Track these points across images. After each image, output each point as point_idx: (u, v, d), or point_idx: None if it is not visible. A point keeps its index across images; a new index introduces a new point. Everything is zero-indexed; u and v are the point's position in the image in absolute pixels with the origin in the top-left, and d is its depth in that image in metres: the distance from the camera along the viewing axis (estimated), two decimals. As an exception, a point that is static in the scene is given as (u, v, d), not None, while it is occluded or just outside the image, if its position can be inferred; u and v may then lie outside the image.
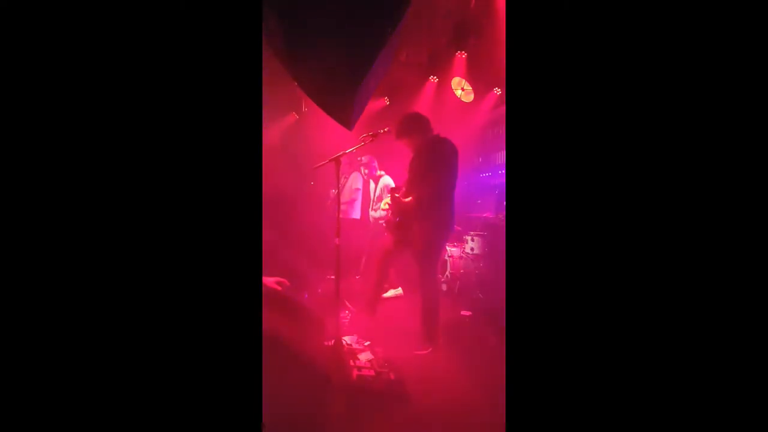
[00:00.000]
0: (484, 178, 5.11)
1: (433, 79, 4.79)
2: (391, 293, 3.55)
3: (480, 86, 4.65)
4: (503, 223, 3.49)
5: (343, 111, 1.69)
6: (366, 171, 3.63)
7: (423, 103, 4.90)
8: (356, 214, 4.19)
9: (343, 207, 3.83)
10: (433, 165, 2.26)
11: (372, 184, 3.65)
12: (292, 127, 5.48)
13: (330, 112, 1.71)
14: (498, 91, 4.67)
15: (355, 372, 1.88)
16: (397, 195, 2.42)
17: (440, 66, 4.48)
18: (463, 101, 4.59)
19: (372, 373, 1.89)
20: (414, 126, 2.36)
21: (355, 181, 4.07)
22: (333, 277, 2.48)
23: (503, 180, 4.71)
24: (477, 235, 3.64)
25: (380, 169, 3.64)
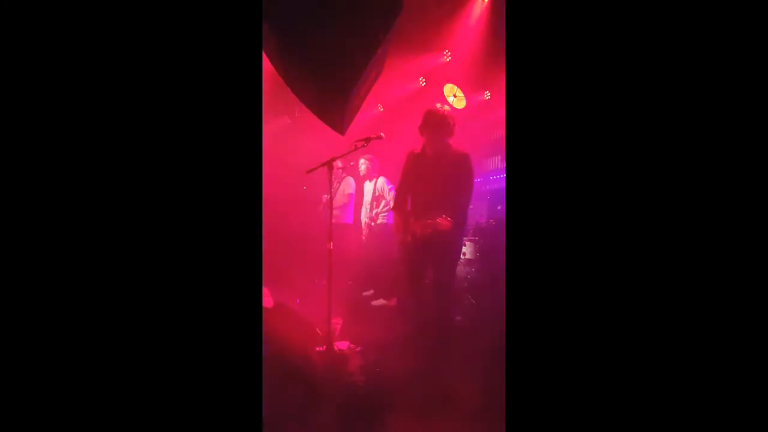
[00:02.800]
0: (476, 183, 5.13)
1: (422, 82, 4.79)
2: (381, 302, 3.53)
3: (467, 87, 4.67)
4: (494, 228, 3.50)
5: (336, 116, 1.69)
6: (364, 170, 3.62)
7: (413, 109, 4.91)
8: (348, 218, 4.18)
9: (335, 212, 3.81)
10: (462, 184, 2.17)
11: (368, 185, 3.64)
12: (285, 131, 5.46)
13: (322, 118, 1.72)
14: (488, 95, 4.69)
15: (347, 379, 1.88)
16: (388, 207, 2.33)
17: (428, 70, 4.50)
18: (455, 107, 4.62)
19: (363, 379, 1.88)
20: (438, 125, 2.13)
21: (347, 185, 4.06)
22: (325, 282, 2.47)
23: (495, 186, 4.73)
24: (469, 240, 3.64)
25: (376, 171, 3.64)
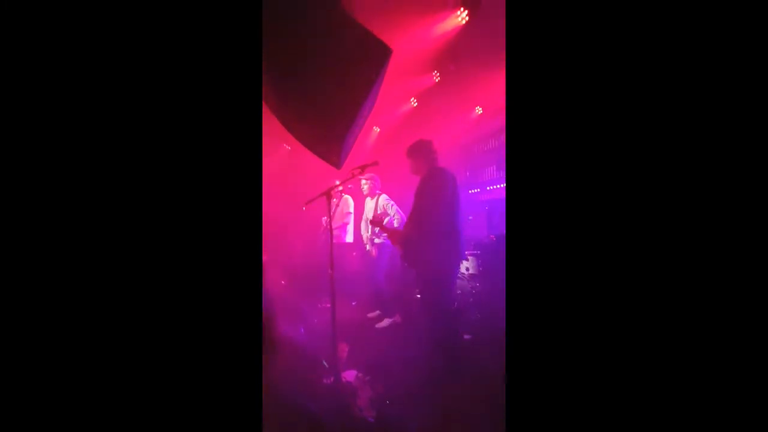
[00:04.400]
0: (472, 194, 5.16)
1: (413, 103, 4.88)
2: (386, 321, 3.52)
3: (461, 105, 4.73)
4: (496, 242, 3.50)
5: (332, 153, 1.71)
6: (367, 187, 3.63)
7: (407, 127, 4.98)
8: (349, 237, 4.19)
9: (335, 232, 3.81)
10: (428, 196, 2.28)
11: (370, 203, 3.65)
12: (284, 159, 5.54)
13: (319, 155, 1.73)
14: (479, 110, 4.76)
15: (357, 414, 1.85)
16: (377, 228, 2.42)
17: (419, 91, 4.57)
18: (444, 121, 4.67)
19: (373, 414, 1.86)
20: (417, 155, 2.42)
21: (345, 205, 4.07)
22: (329, 305, 2.45)
23: (491, 196, 4.75)
24: (471, 255, 3.64)
25: (377, 189, 3.65)
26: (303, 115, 1.50)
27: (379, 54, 1.39)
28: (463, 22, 3.26)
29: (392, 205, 3.52)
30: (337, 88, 1.38)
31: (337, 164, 1.82)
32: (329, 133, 1.50)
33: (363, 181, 3.64)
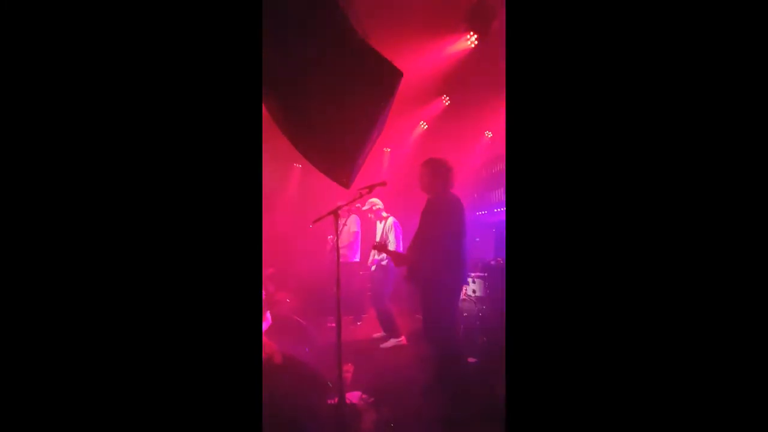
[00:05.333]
0: (480, 216, 5.16)
1: (423, 126, 4.98)
2: (392, 343, 3.47)
3: (470, 128, 4.81)
4: (503, 265, 3.48)
5: (342, 175, 1.74)
6: (372, 215, 3.67)
7: (417, 149, 5.07)
8: (356, 257, 4.19)
9: (342, 251, 3.82)
10: (434, 224, 2.27)
11: (379, 225, 3.68)
12: (294, 177, 5.66)
13: (328, 175, 1.77)
14: (489, 134, 4.83)
15: (361, 436, 1.82)
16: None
17: (429, 112, 4.68)
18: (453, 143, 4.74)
19: (378, 437, 1.82)
20: (431, 172, 2.35)
21: (352, 224, 4.09)
22: (334, 325, 2.43)
23: (499, 218, 4.76)
24: (478, 277, 3.61)
25: (385, 211, 3.68)
26: (313, 136, 1.54)
27: (391, 77, 1.44)
28: (472, 45, 3.36)
29: (395, 233, 3.52)
30: (348, 110, 1.42)
31: (346, 184, 1.85)
32: (339, 155, 1.54)
33: (369, 213, 3.68)
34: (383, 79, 1.43)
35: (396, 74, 1.44)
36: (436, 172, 2.33)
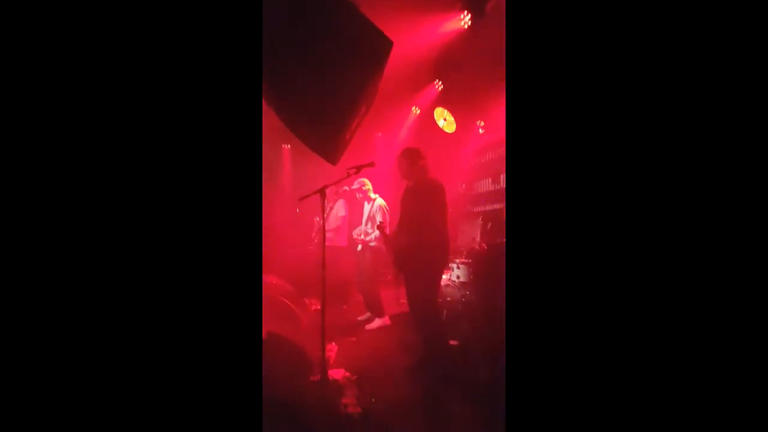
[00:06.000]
0: (467, 205, 5.20)
1: (415, 111, 4.94)
2: (376, 324, 3.50)
3: (461, 116, 4.80)
4: (487, 251, 3.52)
5: (328, 149, 1.73)
6: (360, 195, 3.66)
7: (407, 134, 5.04)
8: (342, 241, 4.18)
9: (329, 235, 3.82)
10: (417, 205, 2.33)
11: (366, 206, 3.67)
12: (280, 157, 5.58)
13: (315, 150, 1.75)
14: (481, 124, 4.82)
15: (343, 410, 1.84)
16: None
17: (422, 97, 4.64)
18: (445, 131, 4.73)
19: (359, 410, 1.84)
20: (407, 161, 2.43)
21: (339, 208, 4.08)
22: (319, 307, 2.44)
23: (486, 207, 4.79)
24: (462, 263, 3.65)
25: (374, 192, 3.67)
26: (299, 106, 1.51)
27: (380, 46, 1.42)
28: (466, 26, 3.31)
29: (382, 214, 3.53)
30: (334, 79, 1.40)
31: (333, 160, 1.84)
32: (325, 128, 1.52)
33: (357, 193, 3.67)
34: (372, 47, 1.41)
35: (386, 43, 1.42)
36: (413, 160, 2.42)
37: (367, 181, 3.62)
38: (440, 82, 4.27)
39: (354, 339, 3.20)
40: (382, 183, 3.92)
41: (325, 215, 2.45)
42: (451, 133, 4.81)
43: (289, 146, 5.66)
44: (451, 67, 3.94)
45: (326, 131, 1.55)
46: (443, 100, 4.50)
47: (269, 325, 2.43)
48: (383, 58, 1.44)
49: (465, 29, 3.33)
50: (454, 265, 3.72)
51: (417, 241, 2.29)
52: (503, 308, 0.99)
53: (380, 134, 5.64)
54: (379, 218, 3.50)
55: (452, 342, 2.97)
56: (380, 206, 3.56)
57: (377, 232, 3.47)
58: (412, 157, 2.42)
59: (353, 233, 3.75)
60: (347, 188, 3.75)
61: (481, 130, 4.78)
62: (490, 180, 4.90)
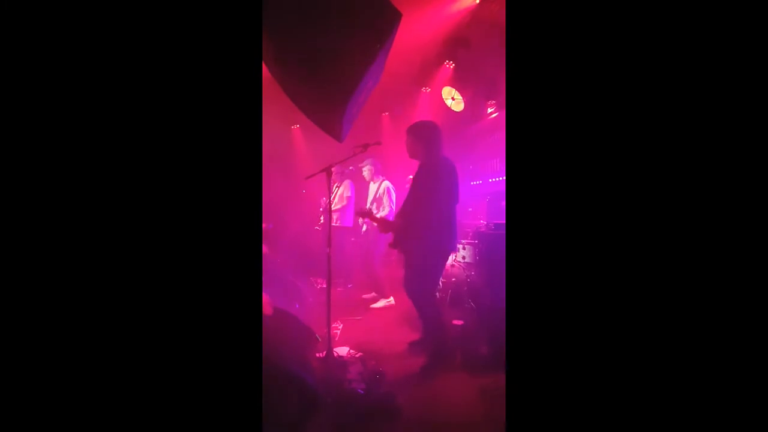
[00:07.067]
0: (474, 186, 5.15)
1: (426, 90, 4.85)
2: (381, 303, 3.54)
3: (470, 95, 4.71)
4: (493, 232, 3.50)
5: (334, 124, 1.69)
6: (367, 174, 3.65)
7: (417, 114, 4.96)
8: (348, 222, 4.19)
9: (334, 215, 3.82)
10: (425, 187, 2.22)
11: (373, 186, 3.66)
12: (288, 136, 5.54)
13: (320, 125, 1.72)
14: (492, 104, 4.73)
15: (347, 386, 1.87)
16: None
17: (431, 77, 4.54)
18: (453, 110, 4.64)
19: (363, 386, 1.88)
20: (417, 137, 2.29)
21: (346, 189, 4.07)
22: (324, 286, 2.45)
23: (493, 188, 4.74)
24: (468, 244, 3.64)
25: (380, 174, 3.66)
26: (304, 79, 1.46)
27: (388, 17, 1.36)
28: (477, 1, 3.21)
29: (389, 196, 3.51)
30: (341, 51, 1.35)
31: (338, 136, 1.80)
32: (330, 101, 1.47)
33: (364, 169, 3.64)
34: (381, 18, 1.35)
35: (394, 14, 1.36)
36: (421, 137, 2.26)
37: (374, 161, 3.60)
38: (451, 62, 4.17)
39: (359, 317, 3.24)
40: (391, 163, 3.89)
41: (332, 196, 2.43)
42: (459, 112, 4.72)
43: (298, 126, 5.61)
44: (460, 44, 3.83)
45: (331, 105, 1.51)
46: (453, 79, 4.40)
47: (275, 298, 2.47)
48: (391, 29, 1.38)
49: (475, 5, 3.23)
50: (460, 246, 3.71)
51: (422, 223, 2.19)
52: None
53: (387, 113, 5.55)
54: (386, 200, 3.49)
55: (456, 322, 3.00)
56: (387, 188, 3.54)
57: (383, 212, 3.46)
58: (419, 132, 2.27)
59: (358, 220, 3.75)
60: (352, 168, 3.72)
61: (490, 109, 4.68)
62: (497, 160, 4.84)
